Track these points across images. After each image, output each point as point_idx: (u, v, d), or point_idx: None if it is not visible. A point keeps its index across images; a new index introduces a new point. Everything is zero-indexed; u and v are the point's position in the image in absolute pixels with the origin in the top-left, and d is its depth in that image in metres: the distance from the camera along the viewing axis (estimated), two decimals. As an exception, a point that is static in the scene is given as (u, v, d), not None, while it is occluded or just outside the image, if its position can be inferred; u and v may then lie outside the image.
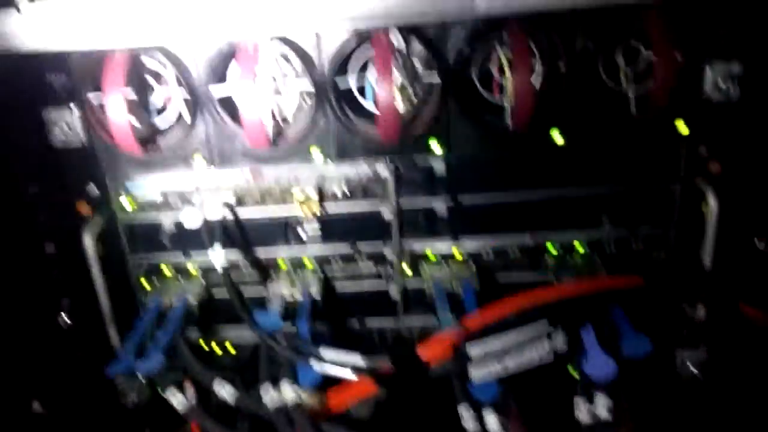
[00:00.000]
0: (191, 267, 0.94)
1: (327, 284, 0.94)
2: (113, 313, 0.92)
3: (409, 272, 0.93)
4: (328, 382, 0.74)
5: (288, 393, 0.70)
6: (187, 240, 0.92)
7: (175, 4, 0.70)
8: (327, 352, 0.74)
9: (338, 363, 0.72)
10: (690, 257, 0.89)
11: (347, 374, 0.72)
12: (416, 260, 0.93)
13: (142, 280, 0.95)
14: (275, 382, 0.72)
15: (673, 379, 0.97)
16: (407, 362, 0.71)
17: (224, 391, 0.75)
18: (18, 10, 0.66)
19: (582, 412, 0.71)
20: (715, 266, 0.88)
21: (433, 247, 0.93)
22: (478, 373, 0.71)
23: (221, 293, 0.95)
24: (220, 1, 0.70)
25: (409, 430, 0.74)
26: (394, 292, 0.94)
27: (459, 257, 0.92)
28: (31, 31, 0.67)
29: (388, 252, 0.92)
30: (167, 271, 0.95)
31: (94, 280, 0.90)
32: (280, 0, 0.70)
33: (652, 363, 0.93)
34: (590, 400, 0.71)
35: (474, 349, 0.71)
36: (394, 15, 0.70)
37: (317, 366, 0.72)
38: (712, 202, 0.87)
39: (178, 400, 0.77)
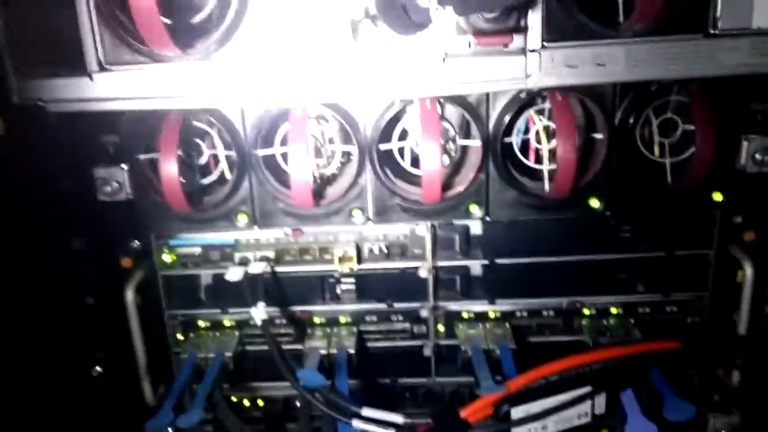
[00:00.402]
0: (227, 322, 0.95)
1: (361, 341, 0.95)
2: (147, 366, 0.93)
3: (442, 330, 0.94)
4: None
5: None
6: (224, 295, 0.93)
7: (227, 70, 0.72)
8: (367, 411, 0.75)
9: (378, 421, 0.73)
10: (724, 323, 0.90)
11: (387, 432, 0.73)
12: (451, 320, 0.94)
13: (178, 334, 0.96)
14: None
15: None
16: (449, 422, 0.72)
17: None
18: (91, 78, 0.68)
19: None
20: (749, 332, 0.89)
21: (467, 307, 0.94)
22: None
23: (254, 349, 0.96)
24: (273, 69, 0.73)
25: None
26: (428, 350, 0.95)
27: (493, 315, 0.93)
28: (99, 96, 0.70)
29: (424, 311, 0.93)
30: (203, 325, 0.96)
31: (132, 332, 0.91)
32: (329, 70, 0.73)
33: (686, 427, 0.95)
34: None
35: (516, 411, 0.72)
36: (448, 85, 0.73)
37: (359, 424, 0.73)
38: (748, 270, 0.88)
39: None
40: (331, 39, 0.70)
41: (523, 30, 0.68)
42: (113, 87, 0.71)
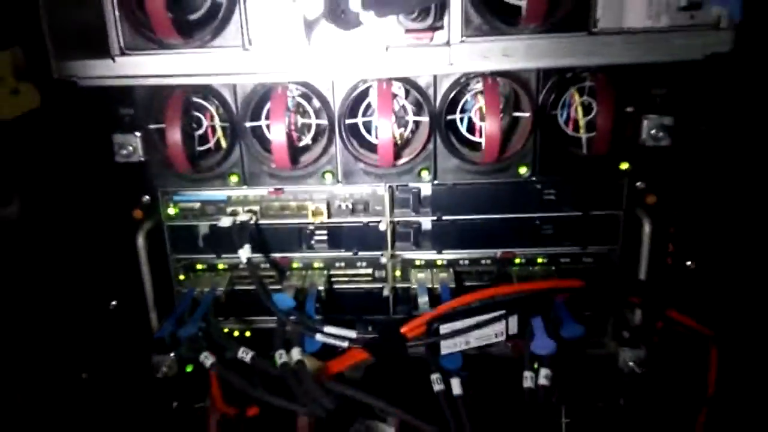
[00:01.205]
0: (220, 265, 1.15)
1: (331, 283, 1.14)
2: (155, 301, 1.12)
3: (398, 275, 1.14)
4: (329, 353, 0.95)
5: (296, 356, 0.91)
6: (218, 243, 1.12)
7: (219, 55, 0.92)
8: (328, 328, 0.94)
9: (336, 336, 0.93)
10: (627, 271, 1.09)
11: (343, 344, 0.93)
12: (406, 266, 1.14)
13: (181, 275, 1.15)
14: (287, 349, 0.92)
15: (617, 374, 1.16)
16: (392, 335, 0.92)
17: (245, 355, 0.94)
18: (113, 60, 0.88)
19: (527, 380, 0.91)
20: (648, 278, 1.08)
21: (419, 256, 1.13)
22: (447, 346, 0.91)
23: (242, 288, 1.15)
24: (256, 55, 0.92)
25: (391, 390, 0.93)
26: (387, 291, 1.14)
27: (440, 263, 1.13)
28: (119, 74, 0.90)
29: (383, 258, 1.12)
30: (200, 268, 1.15)
31: (142, 273, 1.10)
32: (300, 56, 0.92)
33: (596, 360, 1.15)
34: (534, 371, 0.92)
35: (444, 328, 0.91)
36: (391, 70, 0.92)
37: (320, 337, 0.93)
38: (647, 227, 1.07)
39: (210, 360, 0.97)
40: (293, 35, 0.89)
41: (443, 28, 0.87)
42: (131, 68, 0.91)
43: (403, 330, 0.93)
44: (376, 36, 0.88)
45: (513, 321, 0.95)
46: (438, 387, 0.92)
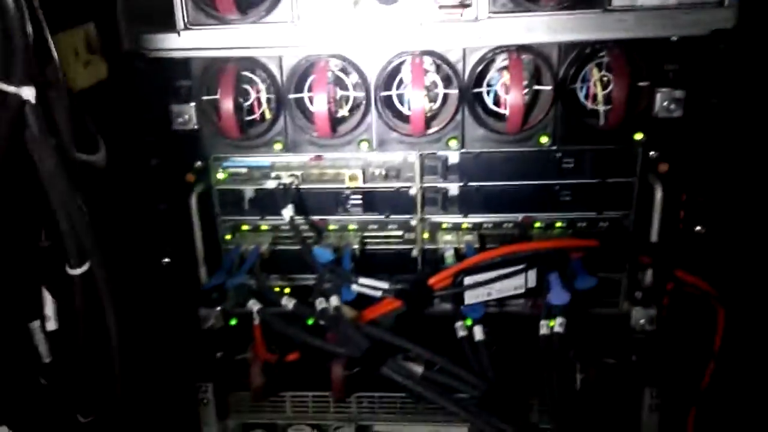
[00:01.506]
0: (264, 226, 1.25)
1: (364, 244, 1.24)
2: (204, 258, 1.23)
3: (427, 237, 1.24)
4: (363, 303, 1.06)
5: (334, 302, 1.01)
6: (262, 206, 1.23)
7: (271, 30, 1.02)
8: (362, 279, 1.05)
9: (370, 286, 1.03)
10: (640, 234, 1.18)
11: (377, 294, 1.03)
12: (434, 229, 1.23)
13: (227, 236, 1.26)
14: (326, 297, 1.03)
15: (629, 333, 1.25)
16: (421, 286, 1.02)
17: (289, 302, 1.05)
18: (179, 34, 0.98)
19: (543, 328, 1.00)
20: (659, 241, 1.17)
21: (446, 220, 1.23)
22: (470, 297, 1.01)
23: (283, 248, 1.25)
24: (302, 29, 1.02)
25: (419, 336, 1.03)
26: (416, 252, 1.24)
27: (465, 226, 1.22)
28: (184, 47, 1.01)
29: (413, 221, 1.22)
30: (245, 228, 1.26)
31: (194, 231, 1.21)
32: (341, 31, 1.01)
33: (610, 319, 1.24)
34: (550, 318, 1.01)
35: (468, 280, 1.01)
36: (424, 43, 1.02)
37: (355, 287, 1.03)
38: (659, 194, 1.15)
39: (257, 306, 1.07)
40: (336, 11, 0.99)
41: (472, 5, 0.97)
42: (194, 41, 1.01)
43: (430, 281, 1.03)
44: (411, 12, 0.97)
45: (532, 275, 1.04)
46: (462, 333, 1.02)
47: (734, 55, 1.02)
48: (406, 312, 1.06)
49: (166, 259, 1.24)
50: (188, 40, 1.00)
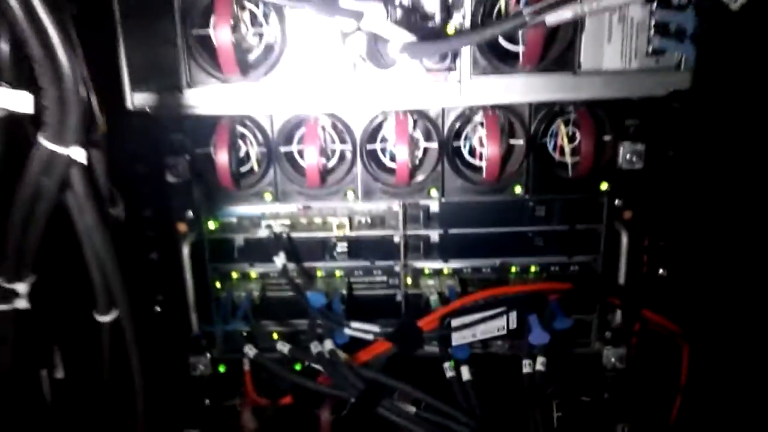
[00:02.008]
0: (253, 274, 1.30)
1: (351, 289, 1.30)
2: (195, 305, 1.27)
3: (410, 282, 1.30)
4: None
5: (328, 346, 1.06)
6: (252, 254, 1.28)
7: (268, 89, 1.09)
8: (354, 323, 1.10)
9: (362, 330, 1.08)
10: (608, 277, 1.26)
11: (368, 337, 1.08)
12: (416, 274, 1.30)
13: (217, 282, 1.30)
14: (320, 341, 1.08)
15: (601, 371, 1.33)
16: (410, 329, 1.07)
17: (283, 347, 1.09)
18: (180, 91, 1.04)
19: (526, 367, 1.07)
20: (627, 283, 1.25)
21: (428, 265, 1.30)
22: (456, 338, 1.07)
23: (273, 295, 1.30)
24: (297, 89, 1.09)
25: (409, 377, 1.08)
26: (400, 296, 1.30)
27: (446, 271, 1.29)
28: (187, 105, 1.07)
29: (397, 267, 1.28)
30: (235, 276, 1.30)
31: (185, 280, 1.25)
32: (334, 91, 1.09)
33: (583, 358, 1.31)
34: (533, 359, 1.08)
35: (455, 322, 1.07)
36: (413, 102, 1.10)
37: (348, 331, 1.08)
38: (624, 239, 1.24)
39: (253, 351, 1.11)
40: (336, 71, 1.07)
41: (456, 69, 1.06)
42: (197, 99, 1.08)
43: (419, 323, 1.09)
44: (400, 75, 1.06)
45: (513, 317, 1.11)
46: (450, 374, 1.08)
47: (689, 112, 1.13)
48: (396, 354, 1.11)
49: (158, 309, 1.27)
50: (191, 98, 1.06)
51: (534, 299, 1.13)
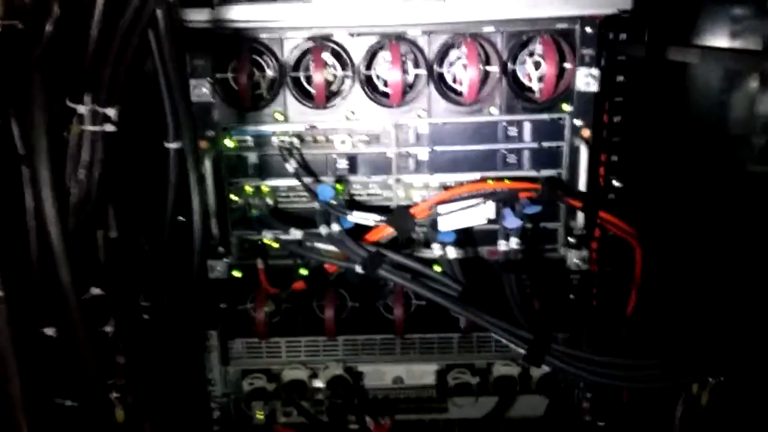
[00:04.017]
0: (264, 188, 1.48)
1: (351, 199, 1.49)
2: (216, 213, 1.44)
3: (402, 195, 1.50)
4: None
5: (336, 228, 1.25)
6: (264, 169, 1.46)
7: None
8: (357, 212, 1.30)
9: (363, 217, 1.28)
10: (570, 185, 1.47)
11: (369, 222, 1.28)
12: (407, 187, 1.50)
13: (232, 195, 1.48)
14: (328, 225, 1.27)
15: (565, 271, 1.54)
16: (404, 216, 1.27)
17: (295, 232, 1.29)
18: (212, 7, 1.24)
19: (502, 245, 1.27)
20: (587, 190, 1.46)
21: (418, 179, 1.50)
22: (443, 224, 1.28)
23: (283, 208, 1.49)
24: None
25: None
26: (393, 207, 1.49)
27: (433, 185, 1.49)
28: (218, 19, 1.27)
29: (390, 180, 1.48)
30: (249, 189, 1.48)
31: (207, 190, 1.42)
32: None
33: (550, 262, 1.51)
34: (507, 240, 1.28)
35: (441, 209, 1.28)
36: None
37: (351, 217, 1.28)
38: (584, 155, 1.46)
39: (270, 234, 1.31)
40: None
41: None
42: (227, 14, 1.28)
43: (412, 211, 1.29)
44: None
45: (490, 207, 1.31)
46: (438, 252, 1.28)
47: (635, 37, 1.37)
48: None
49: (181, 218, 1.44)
50: (221, 14, 1.26)
51: (508, 195, 1.34)
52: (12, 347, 0.85)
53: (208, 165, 1.41)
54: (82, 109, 0.94)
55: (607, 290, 1.55)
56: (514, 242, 1.29)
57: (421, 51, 1.39)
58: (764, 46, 1.33)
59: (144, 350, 1.22)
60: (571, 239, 1.51)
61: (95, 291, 1.03)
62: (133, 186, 1.24)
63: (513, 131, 1.47)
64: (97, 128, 0.93)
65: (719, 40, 1.48)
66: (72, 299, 0.90)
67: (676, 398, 1.29)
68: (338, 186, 1.47)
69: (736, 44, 1.43)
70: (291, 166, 1.37)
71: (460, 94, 1.41)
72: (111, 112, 0.95)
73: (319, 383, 1.53)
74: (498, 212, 1.33)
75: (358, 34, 1.38)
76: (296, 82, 1.40)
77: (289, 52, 1.38)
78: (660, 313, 1.51)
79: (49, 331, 0.92)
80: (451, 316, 1.50)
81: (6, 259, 0.86)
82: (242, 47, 1.35)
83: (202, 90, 1.38)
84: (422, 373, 1.58)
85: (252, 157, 1.46)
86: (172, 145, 1.07)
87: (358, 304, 1.51)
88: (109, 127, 0.96)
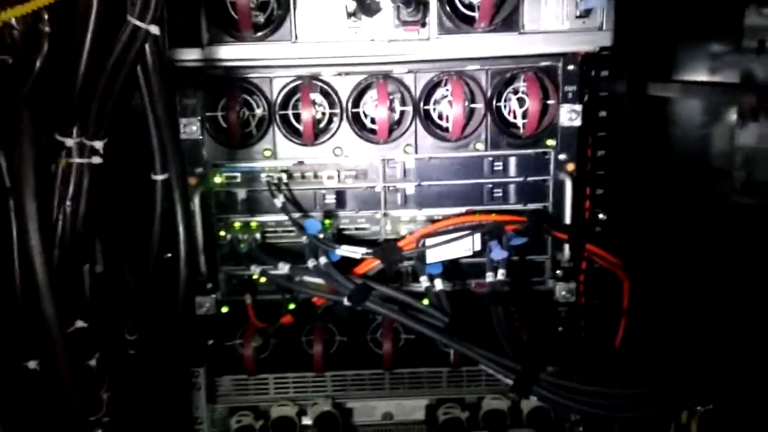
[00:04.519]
0: (253, 224, 1.49)
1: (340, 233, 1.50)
2: (204, 249, 1.45)
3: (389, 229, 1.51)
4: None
5: (323, 261, 1.26)
6: (253, 205, 1.48)
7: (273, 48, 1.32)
8: (344, 245, 1.31)
9: (351, 250, 1.29)
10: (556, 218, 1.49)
11: (356, 255, 1.29)
12: (395, 222, 1.51)
13: (221, 231, 1.49)
14: (316, 258, 1.28)
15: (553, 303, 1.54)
16: (392, 249, 1.28)
17: (283, 267, 1.29)
18: (202, 47, 1.27)
19: (489, 276, 1.28)
20: (572, 223, 1.48)
21: (405, 213, 1.51)
22: (431, 256, 1.28)
23: (272, 241, 1.49)
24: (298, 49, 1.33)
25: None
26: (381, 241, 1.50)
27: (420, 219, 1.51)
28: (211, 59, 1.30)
29: (378, 215, 1.50)
30: (237, 225, 1.49)
31: (195, 226, 1.43)
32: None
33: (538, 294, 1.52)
34: (494, 273, 1.29)
35: (428, 242, 1.29)
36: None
37: (339, 251, 1.29)
38: (568, 188, 1.48)
39: (258, 269, 1.31)
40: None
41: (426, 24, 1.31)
42: (217, 54, 1.31)
43: (399, 243, 1.30)
44: (378, 32, 1.31)
45: (477, 239, 1.33)
46: (426, 284, 1.28)
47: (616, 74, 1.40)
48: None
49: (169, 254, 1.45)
50: (211, 53, 1.29)
51: (495, 227, 1.35)
52: (-7, 380, 0.85)
53: (196, 202, 1.42)
54: (69, 142, 0.95)
55: (595, 322, 1.55)
56: (501, 274, 1.30)
57: (408, 89, 1.42)
58: (741, 80, 1.36)
59: (129, 386, 1.21)
60: (558, 272, 1.52)
61: (79, 324, 1.03)
62: (120, 219, 1.25)
63: (498, 166, 1.49)
64: (84, 161, 0.95)
65: (698, 75, 1.52)
66: (55, 332, 0.90)
67: (666, 428, 1.28)
68: (326, 221, 1.48)
69: (716, 79, 1.47)
70: (279, 201, 1.38)
71: (446, 130, 1.43)
72: (98, 144, 0.97)
73: (307, 420, 1.51)
74: (485, 245, 1.34)
75: (346, 73, 1.41)
76: (285, 119, 1.43)
77: (277, 91, 1.41)
78: (648, 343, 1.51)
79: (32, 364, 0.91)
80: (441, 350, 1.50)
81: (-11, 290, 0.86)
82: (232, 86, 1.38)
83: (192, 128, 1.40)
84: (412, 408, 1.57)
85: (241, 194, 1.48)
86: (159, 177, 1.08)
87: (347, 339, 1.51)
88: (96, 160, 0.98)
